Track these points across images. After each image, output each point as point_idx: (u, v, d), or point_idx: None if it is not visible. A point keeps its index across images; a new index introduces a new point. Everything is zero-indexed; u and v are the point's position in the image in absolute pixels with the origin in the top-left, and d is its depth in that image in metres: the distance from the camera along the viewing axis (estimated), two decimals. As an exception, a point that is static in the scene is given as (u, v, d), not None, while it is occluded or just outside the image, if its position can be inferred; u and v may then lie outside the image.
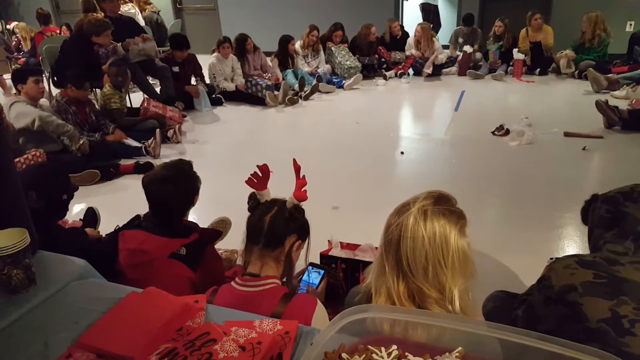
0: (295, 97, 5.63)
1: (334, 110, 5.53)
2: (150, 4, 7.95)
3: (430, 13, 7.75)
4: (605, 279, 0.99)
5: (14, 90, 3.87)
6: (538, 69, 6.52)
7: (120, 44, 4.91)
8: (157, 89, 5.38)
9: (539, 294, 1.10)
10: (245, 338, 0.95)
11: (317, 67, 6.44)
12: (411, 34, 6.92)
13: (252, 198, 1.49)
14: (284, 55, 6.19)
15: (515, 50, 6.40)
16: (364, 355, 0.77)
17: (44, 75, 4.05)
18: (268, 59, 6.27)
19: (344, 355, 0.77)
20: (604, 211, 1.22)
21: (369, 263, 1.26)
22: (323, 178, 3.26)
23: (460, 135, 4.35)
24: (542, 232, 2.61)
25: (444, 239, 0.99)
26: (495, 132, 4.22)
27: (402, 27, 7.21)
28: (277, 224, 1.36)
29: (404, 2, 8.67)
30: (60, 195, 1.92)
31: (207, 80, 5.81)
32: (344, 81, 6.31)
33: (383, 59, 6.93)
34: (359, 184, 3.40)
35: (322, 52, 6.56)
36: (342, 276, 1.89)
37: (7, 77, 6.46)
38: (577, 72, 6.14)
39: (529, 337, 0.74)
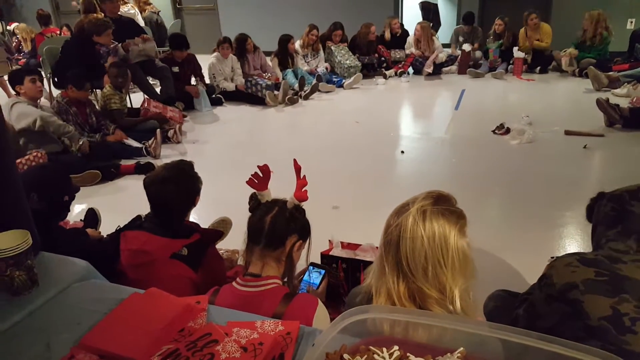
0: (295, 97, 5.63)
1: (334, 109, 5.53)
2: (150, 4, 7.95)
3: (430, 12, 7.75)
4: (606, 277, 1.00)
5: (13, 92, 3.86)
6: (538, 67, 6.53)
7: (120, 44, 4.91)
8: (157, 89, 5.38)
9: (540, 292, 1.11)
10: (247, 339, 0.95)
11: (317, 66, 6.44)
12: (411, 32, 6.91)
13: (253, 198, 1.50)
14: (284, 55, 6.18)
15: (515, 49, 6.40)
16: (365, 356, 0.78)
17: (42, 74, 4.01)
18: (268, 59, 6.26)
19: (345, 356, 0.77)
20: (610, 209, 1.22)
21: (370, 263, 1.26)
22: (323, 178, 3.26)
23: (460, 134, 4.34)
24: (542, 231, 2.61)
25: (443, 239, 0.99)
26: (496, 131, 4.22)
27: (402, 25, 7.20)
28: (278, 224, 1.36)
29: (404, 1, 8.66)
30: (62, 197, 1.92)
31: (207, 80, 5.81)
32: (343, 80, 6.31)
33: (383, 58, 6.92)
34: (359, 183, 3.40)
35: (321, 52, 6.55)
36: (343, 276, 1.89)
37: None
38: (577, 70, 6.14)
39: (530, 337, 0.74)
